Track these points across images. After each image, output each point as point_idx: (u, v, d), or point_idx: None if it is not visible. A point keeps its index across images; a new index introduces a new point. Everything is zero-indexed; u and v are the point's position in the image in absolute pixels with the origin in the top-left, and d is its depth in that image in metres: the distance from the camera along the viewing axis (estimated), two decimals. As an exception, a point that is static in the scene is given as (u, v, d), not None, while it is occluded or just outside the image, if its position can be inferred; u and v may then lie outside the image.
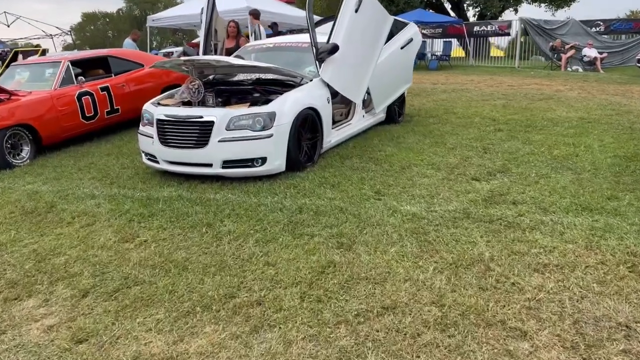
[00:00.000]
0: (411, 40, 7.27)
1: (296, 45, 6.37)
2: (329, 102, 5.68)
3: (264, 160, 4.89)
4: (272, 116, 4.86)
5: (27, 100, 6.65)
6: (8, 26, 16.65)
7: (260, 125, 4.82)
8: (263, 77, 5.87)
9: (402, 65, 7.20)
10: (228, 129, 4.82)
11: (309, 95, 5.36)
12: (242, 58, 6.53)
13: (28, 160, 6.53)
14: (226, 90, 5.67)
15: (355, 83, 5.98)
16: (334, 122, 6.02)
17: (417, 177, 4.97)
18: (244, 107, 4.97)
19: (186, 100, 5.36)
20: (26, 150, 6.62)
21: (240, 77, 6.04)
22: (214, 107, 5.07)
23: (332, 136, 5.87)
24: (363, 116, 6.75)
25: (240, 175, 4.99)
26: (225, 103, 5.37)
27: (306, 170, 5.26)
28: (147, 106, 5.42)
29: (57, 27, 14.68)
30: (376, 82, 6.47)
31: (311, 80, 5.61)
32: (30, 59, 8.17)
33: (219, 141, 4.80)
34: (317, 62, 5.62)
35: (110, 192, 5.01)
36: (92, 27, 63.69)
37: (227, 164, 4.89)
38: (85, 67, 8.01)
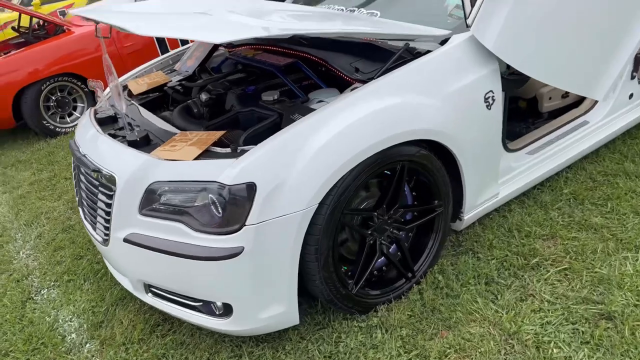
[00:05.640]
0: None
1: None
2: (490, 106, 1.96)
3: (227, 308, 1.77)
4: (243, 194, 1.60)
5: (76, 37, 4.59)
6: None
7: (217, 214, 1.64)
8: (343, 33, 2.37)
9: None
10: (147, 210, 1.78)
11: (411, 100, 1.78)
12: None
13: (83, 123, 4.70)
14: (259, 67, 2.45)
15: (585, 53, 1.99)
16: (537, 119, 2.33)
17: None
18: (202, 144, 1.77)
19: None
20: (81, 108, 4.76)
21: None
22: (134, 137, 1.97)
23: (500, 184, 2.19)
24: (631, 96, 2.64)
25: (187, 321, 1.98)
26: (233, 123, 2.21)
27: (382, 315, 1.93)
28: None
29: None
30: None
31: (446, 42, 1.94)
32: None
33: (125, 240, 1.85)
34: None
35: (54, 278, 2.71)
36: None
37: (154, 289, 1.95)
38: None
